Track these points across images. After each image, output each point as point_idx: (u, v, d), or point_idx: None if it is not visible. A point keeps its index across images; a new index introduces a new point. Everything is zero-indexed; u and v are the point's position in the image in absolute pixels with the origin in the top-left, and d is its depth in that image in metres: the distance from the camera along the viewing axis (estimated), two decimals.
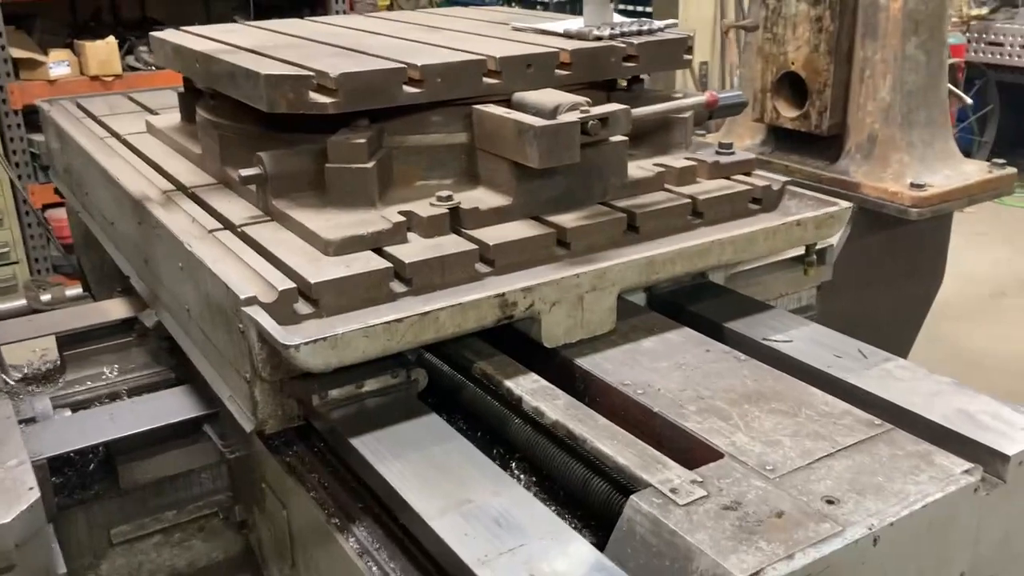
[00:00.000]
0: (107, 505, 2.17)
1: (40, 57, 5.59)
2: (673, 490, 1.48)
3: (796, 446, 1.61)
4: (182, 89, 2.95)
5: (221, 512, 2.30)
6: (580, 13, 2.66)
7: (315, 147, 2.22)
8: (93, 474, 2.16)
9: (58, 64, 5.55)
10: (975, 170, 3.53)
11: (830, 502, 1.46)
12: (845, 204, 2.39)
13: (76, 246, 4.04)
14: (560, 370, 1.99)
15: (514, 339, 2.04)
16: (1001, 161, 3.58)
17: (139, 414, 2.15)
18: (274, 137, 2.31)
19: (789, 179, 2.55)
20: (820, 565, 1.34)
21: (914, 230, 3.51)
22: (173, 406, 2.19)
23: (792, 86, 3.57)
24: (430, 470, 1.61)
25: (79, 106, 3.69)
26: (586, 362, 1.96)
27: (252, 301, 1.76)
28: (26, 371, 2.61)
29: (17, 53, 5.72)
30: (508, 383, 1.88)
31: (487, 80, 2.26)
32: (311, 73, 2.11)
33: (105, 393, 2.43)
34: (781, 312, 2.31)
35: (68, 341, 2.63)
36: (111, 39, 5.68)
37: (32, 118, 5.79)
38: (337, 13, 6.43)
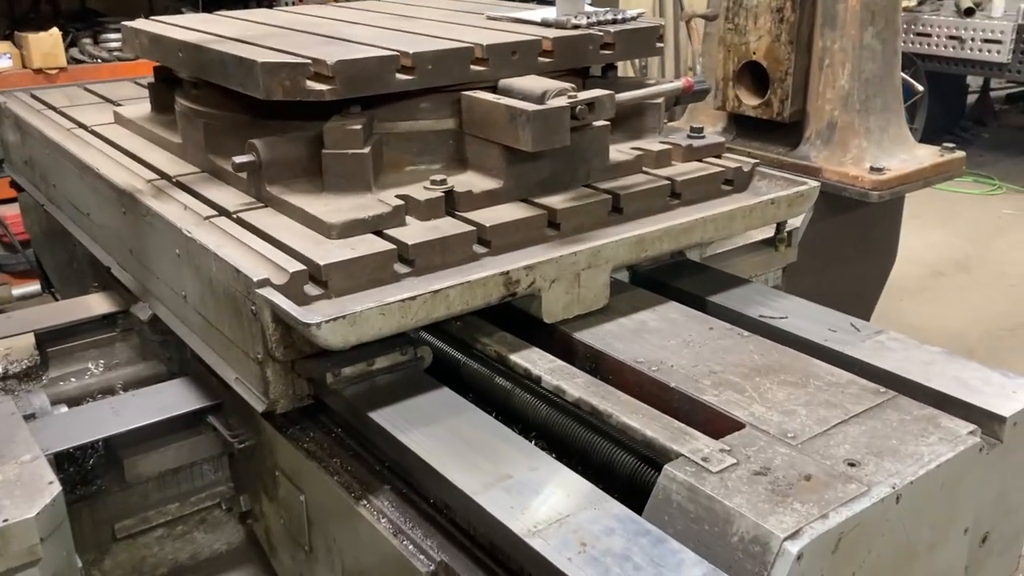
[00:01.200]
0: (110, 500, 2.14)
1: None
2: (704, 459, 1.53)
3: (811, 414, 1.68)
4: (142, 80, 2.89)
5: (223, 503, 2.28)
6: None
7: (306, 134, 2.22)
8: (95, 469, 2.12)
9: (0, 56, 5.38)
10: (927, 154, 3.67)
11: (852, 464, 1.53)
12: (813, 183, 2.47)
13: (34, 242, 3.93)
14: (559, 344, 2.04)
15: (502, 315, 2.08)
16: (951, 145, 3.73)
17: (142, 407, 2.12)
18: (262, 125, 2.31)
19: (758, 161, 2.62)
20: (852, 523, 1.40)
21: (870, 212, 3.64)
22: (175, 398, 2.16)
23: (753, 75, 3.66)
24: (461, 445, 1.64)
25: (35, 97, 3.60)
26: (587, 336, 2.01)
27: (265, 283, 1.77)
28: (2, 370, 2.55)
29: None
30: (523, 363, 1.91)
31: (474, 67, 2.29)
32: (307, 61, 2.11)
33: (96, 388, 2.39)
34: (760, 286, 2.40)
35: (48, 338, 2.58)
36: (55, 31, 5.50)
37: None
38: (286, 4, 6.35)
